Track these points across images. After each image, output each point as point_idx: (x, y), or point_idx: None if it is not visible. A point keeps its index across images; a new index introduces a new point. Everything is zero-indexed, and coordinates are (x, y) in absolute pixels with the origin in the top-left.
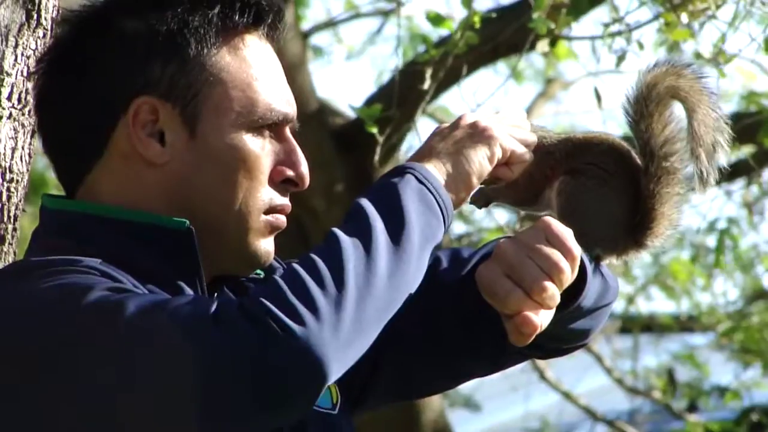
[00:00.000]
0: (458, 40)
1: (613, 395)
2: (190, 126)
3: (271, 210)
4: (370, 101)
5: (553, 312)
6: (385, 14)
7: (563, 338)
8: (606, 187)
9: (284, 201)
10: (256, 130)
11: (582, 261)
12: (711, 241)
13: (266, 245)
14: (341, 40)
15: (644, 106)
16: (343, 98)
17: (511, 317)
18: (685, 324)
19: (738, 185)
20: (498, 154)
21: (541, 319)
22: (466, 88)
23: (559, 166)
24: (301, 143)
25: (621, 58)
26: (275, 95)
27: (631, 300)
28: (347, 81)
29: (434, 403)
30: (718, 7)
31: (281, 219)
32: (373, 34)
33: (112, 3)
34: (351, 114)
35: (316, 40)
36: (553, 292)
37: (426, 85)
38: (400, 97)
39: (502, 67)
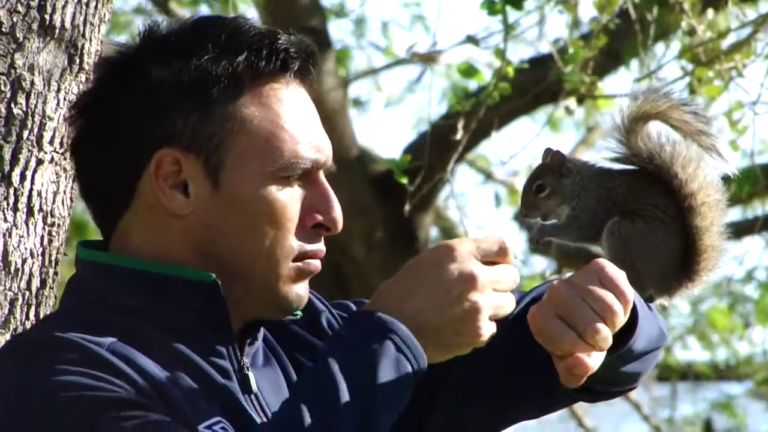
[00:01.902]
0: (491, 91)
1: None
2: (213, 177)
3: (301, 257)
4: (408, 151)
5: (604, 354)
6: (425, 63)
7: (613, 381)
8: (663, 231)
9: (316, 246)
10: (283, 179)
11: (634, 303)
12: (749, 290)
13: (298, 290)
14: (380, 88)
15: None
16: (384, 145)
17: (563, 359)
18: (723, 373)
19: None
20: (481, 331)
21: (593, 361)
22: (506, 135)
23: (619, 203)
24: (341, 189)
25: None
26: (303, 143)
27: (668, 349)
28: (388, 128)
29: None
30: (744, 66)
31: (313, 264)
32: (412, 82)
33: (142, 50)
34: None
35: (356, 87)
36: (606, 335)
37: (458, 136)
38: (438, 148)
39: (541, 115)
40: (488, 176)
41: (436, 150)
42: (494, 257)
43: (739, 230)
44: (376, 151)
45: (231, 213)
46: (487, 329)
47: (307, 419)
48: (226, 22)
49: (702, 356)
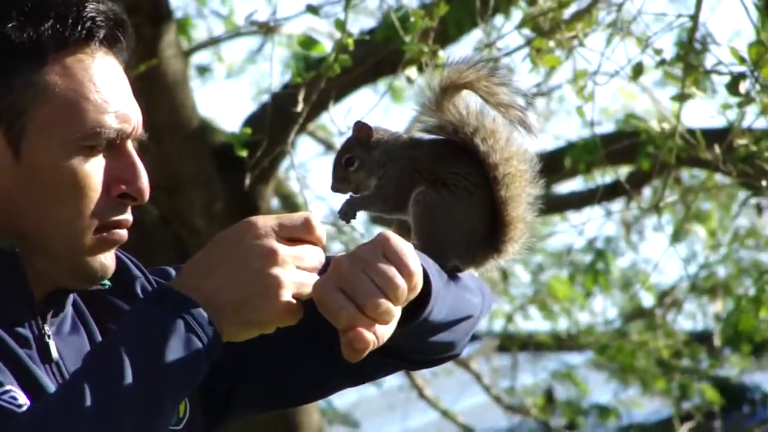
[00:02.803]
0: (332, 62)
1: (491, 413)
2: (14, 146)
3: (106, 227)
4: (248, 122)
5: (392, 327)
6: (265, 33)
7: (426, 351)
8: (469, 200)
9: (122, 216)
10: (86, 149)
11: (427, 275)
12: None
13: (104, 260)
14: (222, 59)
15: (450, 110)
16: (226, 116)
17: (346, 332)
18: (564, 343)
19: (617, 205)
20: (283, 308)
21: (380, 333)
22: (347, 106)
23: (425, 171)
24: (182, 161)
25: None
26: (108, 112)
27: (509, 318)
28: (231, 98)
29: (313, 420)
30: (585, 35)
31: (118, 233)
32: (254, 52)
33: None
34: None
35: (197, 58)
36: (387, 308)
37: (299, 108)
38: (278, 119)
39: (384, 86)
40: (329, 147)
41: (277, 121)
42: (300, 234)
43: (580, 200)
44: (220, 121)
45: (32, 183)
46: (290, 307)
47: (87, 395)
48: None
49: (543, 326)
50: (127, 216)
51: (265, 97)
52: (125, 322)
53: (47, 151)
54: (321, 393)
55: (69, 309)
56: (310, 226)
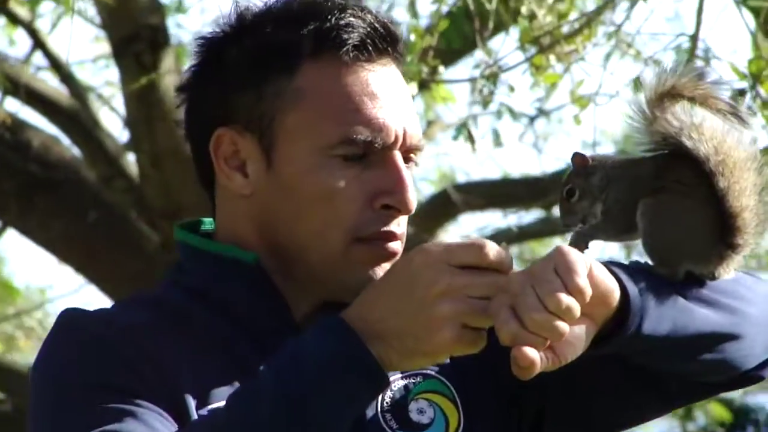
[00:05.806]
0: None
1: None
2: (267, 155)
3: (369, 238)
4: None
5: (577, 346)
6: None
7: (686, 372)
8: (689, 200)
9: (387, 228)
10: (337, 158)
11: (626, 290)
12: None
13: (371, 273)
14: None
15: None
16: None
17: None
18: None
19: None
20: (448, 338)
21: (560, 352)
22: None
23: (647, 187)
24: (182, 187)
25: (487, 101)
26: (357, 122)
27: None
28: None
29: None
30: (584, 48)
31: (387, 246)
32: None
33: (227, 28)
34: None
35: None
36: (549, 324)
37: None
38: None
39: None
40: None
41: None
42: (474, 260)
43: None
44: None
45: (283, 192)
46: (461, 336)
47: (234, 419)
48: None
49: None
50: (394, 228)
51: None
52: (286, 351)
53: (296, 160)
54: (632, 418)
55: None
56: (483, 252)
